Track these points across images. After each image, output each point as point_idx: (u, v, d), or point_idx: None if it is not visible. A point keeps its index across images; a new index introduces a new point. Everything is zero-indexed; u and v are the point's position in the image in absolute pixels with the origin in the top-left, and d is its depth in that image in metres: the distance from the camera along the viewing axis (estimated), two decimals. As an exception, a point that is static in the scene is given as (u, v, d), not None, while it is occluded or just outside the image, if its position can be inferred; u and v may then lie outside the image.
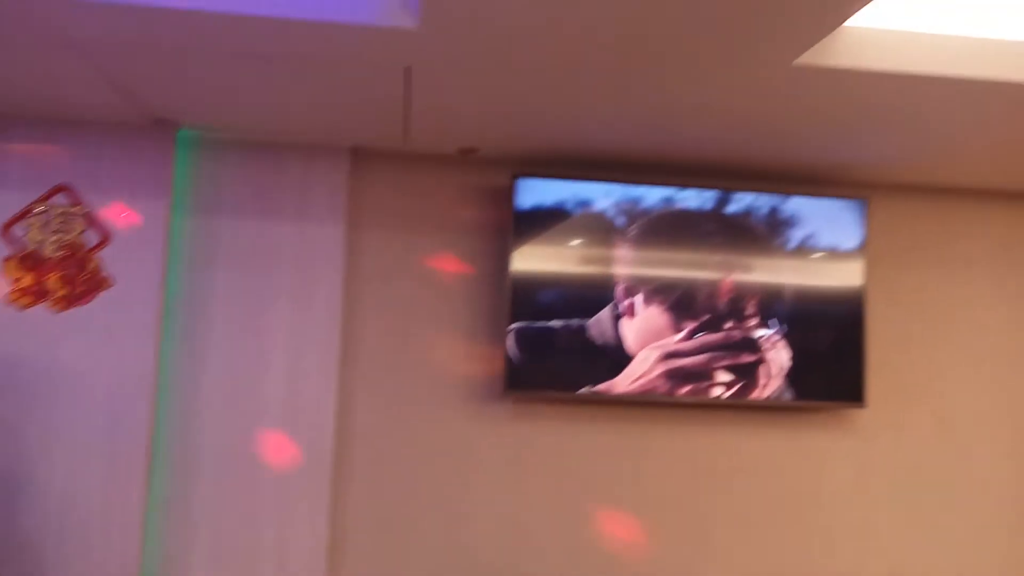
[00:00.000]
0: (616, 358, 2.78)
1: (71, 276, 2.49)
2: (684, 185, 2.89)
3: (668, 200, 2.87)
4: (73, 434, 2.45)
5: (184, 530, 2.58)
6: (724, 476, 2.94)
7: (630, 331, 2.80)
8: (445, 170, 2.92)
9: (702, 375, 2.82)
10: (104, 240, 2.53)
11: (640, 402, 2.88)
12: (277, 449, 2.66)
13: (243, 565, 2.60)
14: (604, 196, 2.83)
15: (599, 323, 2.79)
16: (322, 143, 2.76)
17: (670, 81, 2.15)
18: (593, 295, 2.80)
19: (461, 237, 2.91)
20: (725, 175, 2.98)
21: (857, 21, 1.97)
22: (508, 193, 2.82)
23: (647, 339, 2.81)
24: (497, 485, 2.84)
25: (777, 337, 2.86)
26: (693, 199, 2.88)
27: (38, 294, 2.47)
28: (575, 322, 2.78)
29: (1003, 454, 3.09)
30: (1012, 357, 3.14)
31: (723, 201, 2.90)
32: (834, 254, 2.93)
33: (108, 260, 2.53)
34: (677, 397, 2.82)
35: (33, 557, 2.39)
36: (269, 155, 2.75)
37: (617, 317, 2.79)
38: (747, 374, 2.84)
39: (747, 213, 2.90)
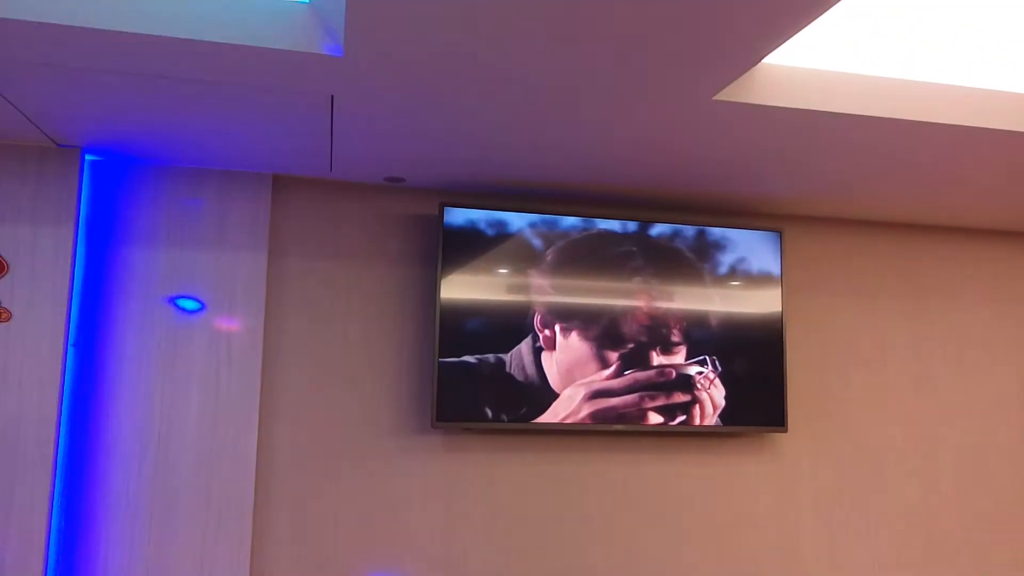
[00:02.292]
0: (541, 394, 2.77)
1: (-38, 309, 2.32)
2: (605, 216, 2.93)
3: (588, 226, 2.90)
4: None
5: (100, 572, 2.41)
6: (655, 502, 2.96)
7: (552, 364, 2.79)
8: (371, 199, 2.87)
9: (632, 416, 2.83)
10: (2, 270, 2.36)
11: (570, 431, 2.87)
12: (194, 490, 2.52)
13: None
14: (528, 224, 2.83)
15: (519, 356, 2.77)
16: (242, 169, 2.67)
17: (589, 115, 2.17)
18: (518, 324, 2.78)
19: (388, 266, 2.86)
20: (646, 206, 3.04)
21: (774, 59, 2.04)
22: (435, 222, 2.79)
23: (571, 372, 2.81)
24: (429, 519, 2.76)
25: (712, 375, 2.91)
26: (614, 225, 2.92)
27: (-76, 329, 2.28)
28: (501, 354, 2.76)
29: (915, 473, 3.22)
30: (919, 380, 3.29)
31: (644, 228, 2.95)
32: (754, 283, 3.02)
33: (5, 291, 2.36)
34: (606, 426, 2.82)
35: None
36: (186, 180, 2.65)
37: (539, 350, 2.79)
38: (681, 412, 2.87)
39: (668, 240, 2.96)
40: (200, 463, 2.53)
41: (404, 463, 2.77)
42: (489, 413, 2.73)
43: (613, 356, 2.84)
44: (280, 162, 2.64)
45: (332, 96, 2.05)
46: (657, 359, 2.88)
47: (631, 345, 2.86)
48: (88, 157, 2.52)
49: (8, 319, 2.35)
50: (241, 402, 2.59)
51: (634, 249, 2.92)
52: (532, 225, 2.84)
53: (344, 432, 2.74)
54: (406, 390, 2.80)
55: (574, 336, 2.82)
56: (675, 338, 2.91)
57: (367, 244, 2.86)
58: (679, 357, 2.90)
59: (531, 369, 2.77)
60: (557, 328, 2.81)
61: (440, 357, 2.70)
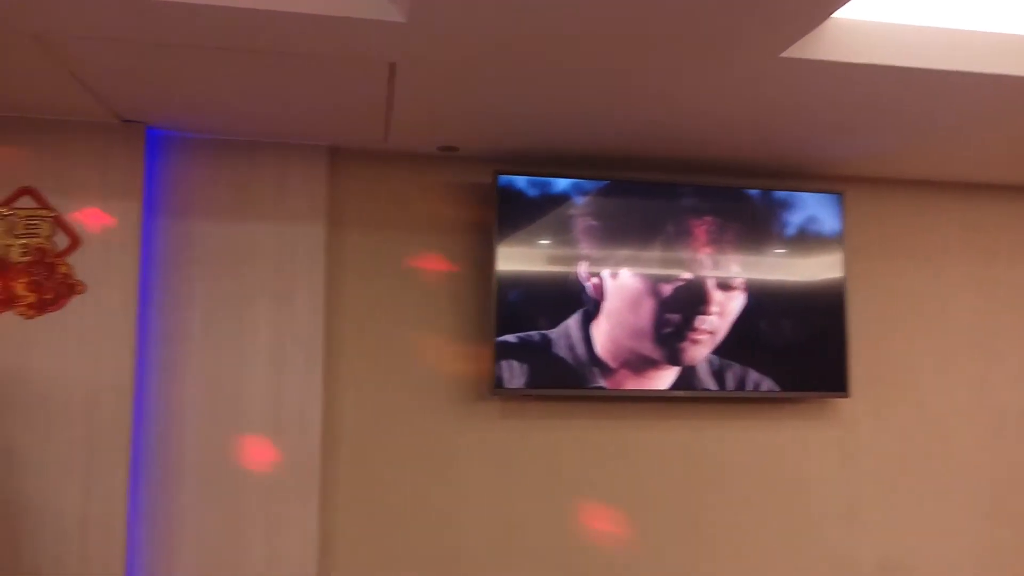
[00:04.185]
0: (592, 358, 2.77)
1: (40, 282, 2.39)
2: (663, 181, 2.89)
3: (645, 191, 2.87)
4: (49, 444, 2.35)
5: (168, 540, 2.50)
6: (713, 469, 2.95)
7: (601, 333, 2.78)
8: (425, 168, 2.88)
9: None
10: (74, 244, 2.43)
11: (626, 397, 2.87)
12: (261, 454, 2.59)
13: (230, 574, 2.53)
14: (584, 190, 2.81)
15: (567, 330, 2.77)
16: (299, 142, 2.70)
17: (651, 74, 2.13)
18: (571, 292, 2.78)
19: (443, 235, 2.87)
20: (704, 169, 2.99)
21: (844, 14, 1.97)
22: (489, 190, 2.79)
23: (621, 336, 2.80)
24: (485, 484, 2.80)
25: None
26: (672, 190, 2.88)
27: (5, 301, 2.37)
28: (557, 319, 2.76)
29: (980, 438, 3.15)
30: (985, 344, 3.20)
31: (703, 191, 2.90)
32: (814, 245, 2.96)
33: (80, 264, 2.43)
34: (664, 392, 2.82)
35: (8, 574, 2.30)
36: (244, 154, 2.68)
37: (593, 315, 2.78)
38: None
39: (728, 203, 2.91)
40: (267, 430, 2.60)
41: (463, 430, 2.80)
42: (549, 377, 2.74)
43: (665, 315, 2.83)
44: (337, 133, 2.66)
45: (393, 64, 2.05)
46: (711, 320, 2.85)
47: (684, 311, 2.84)
48: (152, 132, 2.56)
49: (83, 291, 2.42)
50: (305, 370, 2.64)
51: (694, 213, 2.88)
52: (587, 191, 2.81)
53: (404, 400, 2.78)
54: (464, 358, 2.83)
55: (631, 301, 2.81)
56: (733, 302, 2.87)
57: (422, 213, 2.87)
58: (730, 318, 2.87)
59: (580, 346, 2.76)
60: (618, 293, 2.79)
61: (497, 325, 2.71)
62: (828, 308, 2.95)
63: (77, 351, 2.39)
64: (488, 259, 2.77)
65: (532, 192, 2.78)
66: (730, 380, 2.85)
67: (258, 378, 2.61)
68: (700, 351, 2.84)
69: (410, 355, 2.80)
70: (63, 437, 2.36)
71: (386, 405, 2.77)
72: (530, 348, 2.73)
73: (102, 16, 1.77)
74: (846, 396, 2.95)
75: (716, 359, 2.85)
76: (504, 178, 2.76)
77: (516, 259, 2.74)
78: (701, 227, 2.89)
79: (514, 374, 2.71)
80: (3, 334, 2.36)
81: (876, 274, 3.14)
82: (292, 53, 1.98)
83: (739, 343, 2.86)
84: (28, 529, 2.32)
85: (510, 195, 2.76)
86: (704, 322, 2.84)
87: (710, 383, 2.84)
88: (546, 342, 2.74)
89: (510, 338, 2.72)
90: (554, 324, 2.75)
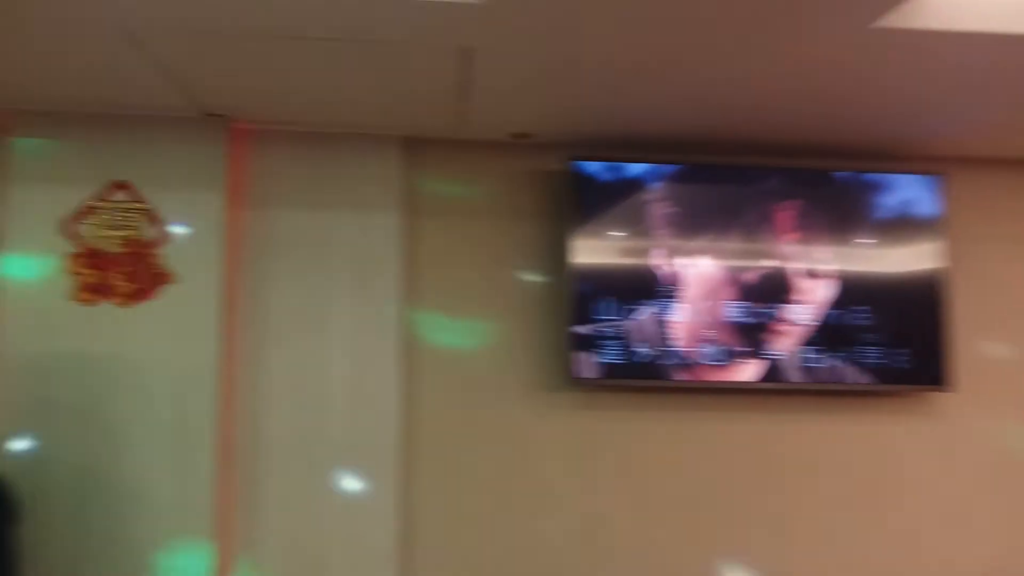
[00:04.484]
0: (670, 349, 2.69)
1: (133, 272, 2.50)
2: (745, 164, 2.78)
3: (727, 176, 2.77)
4: (140, 429, 2.46)
5: (253, 523, 2.57)
6: (800, 466, 2.82)
7: (681, 319, 2.70)
8: (498, 156, 2.86)
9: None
10: (164, 236, 2.53)
11: (707, 389, 2.78)
12: (341, 441, 2.63)
13: (313, 558, 2.58)
14: (662, 175, 2.74)
15: (650, 311, 2.70)
16: (373, 133, 2.73)
17: (733, 51, 2.05)
18: (650, 281, 2.71)
19: (517, 223, 2.85)
20: (790, 151, 2.86)
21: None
22: (563, 177, 2.75)
23: (700, 326, 2.71)
24: (563, 476, 2.77)
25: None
26: (755, 174, 2.77)
27: (102, 290, 2.49)
28: (633, 309, 2.70)
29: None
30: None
31: (794, 180, 2.78)
32: (912, 230, 2.79)
33: (169, 255, 2.53)
34: (751, 383, 2.71)
35: (103, 550, 2.40)
36: (322, 145, 2.73)
37: (671, 304, 2.70)
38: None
39: (817, 187, 2.78)
40: (348, 415, 2.64)
41: (540, 421, 2.77)
42: (621, 372, 2.68)
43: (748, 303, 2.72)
44: (411, 122, 2.67)
45: (468, 49, 2.04)
46: (797, 310, 2.72)
47: (767, 301, 2.73)
48: (234, 126, 2.64)
49: (172, 281, 2.51)
50: (383, 359, 2.67)
51: (777, 198, 2.76)
52: (664, 176, 2.74)
53: (481, 389, 2.77)
54: (542, 346, 2.80)
55: (716, 294, 2.72)
56: (821, 291, 2.74)
57: (495, 201, 2.86)
58: (819, 307, 2.74)
59: (657, 337, 2.69)
60: (684, 263, 2.71)
61: (571, 315, 2.67)
62: (926, 297, 2.77)
63: (167, 339, 2.49)
64: (562, 248, 2.73)
65: (606, 178, 2.73)
66: (819, 372, 2.72)
67: (337, 366, 2.65)
68: (785, 342, 2.72)
69: (486, 345, 2.80)
70: (155, 421, 2.46)
71: (463, 394, 2.77)
72: (605, 338, 2.68)
73: (185, 6, 1.82)
74: (947, 390, 2.77)
75: (803, 350, 2.72)
76: (578, 164, 2.72)
77: (590, 247, 2.70)
78: (785, 212, 2.77)
79: (589, 365, 2.67)
80: (101, 322, 2.48)
81: (980, 261, 2.94)
82: (369, 40, 1.99)
83: (829, 334, 2.73)
84: (124, 506, 2.43)
85: (584, 181, 2.71)
86: (789, 312, 2.72)
87: (797, 375, 2.72)
88: (622, 332, 2.68)
89: (585, 328, 2.67)
90: (630, 314, 2.69)
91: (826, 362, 2.72)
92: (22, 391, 2.44)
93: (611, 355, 2.68)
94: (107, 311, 2.48)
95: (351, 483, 2.62)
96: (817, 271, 2.74)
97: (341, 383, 2.65)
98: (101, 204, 2.52)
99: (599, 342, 2.68)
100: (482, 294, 2.81)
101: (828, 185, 2.79)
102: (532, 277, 2.83)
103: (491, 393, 2.78)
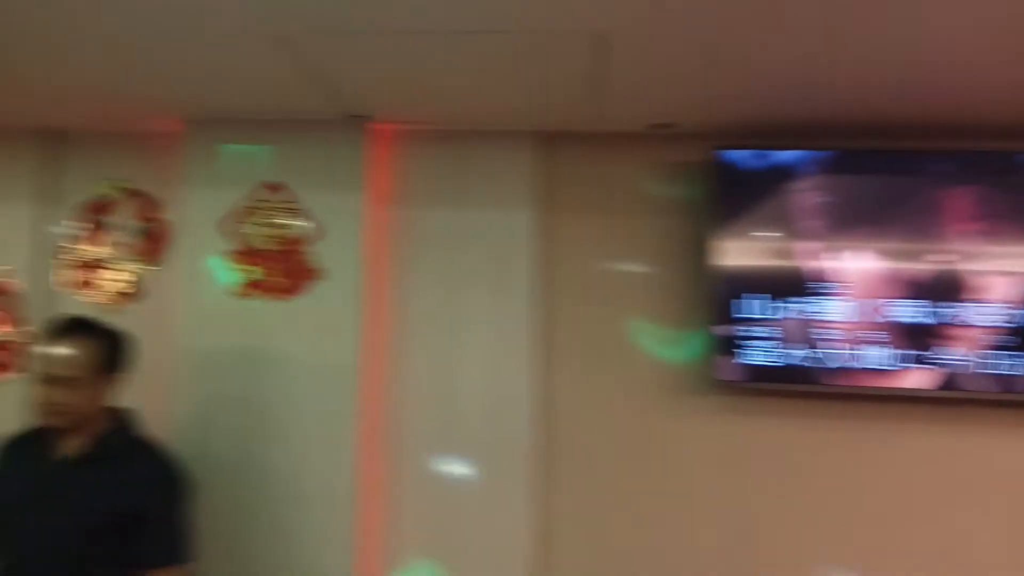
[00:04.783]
0: (824, 352, 2.49)
1: (284, 268, 2.63)
2: (916, 149, 2.53)
3: (898, 166, 2.53)
4: (291, 420, 2.58)
5: (392, 511, 2.64)
6: (977, 483, 2.54)
7: (836, 320, 2.49)
8: (636, 148, 2.77)
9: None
10: (313, 233, 2.65)
11: (867, 396, 2.56)
12: (479, 439, 2.64)
13: (451, 553, 2.61)
14: (814, 165, 2.55)
15: (802, 310, 2.51)
16: (508, 128, 2.72)
17: (896, 22, 1.85)
18: (802, 278, 2.52)
19: (657, 218, 2.75)
20: (957, 135, 2.57)
21: None
22: (706, 168, 2.63)
23: (858, 328, 2.49)
24: (708, 485, 2.65)
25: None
26: (929, 164, 2.52)
27: (257, 286, 2.63)
28: (783, 308, 2.52)
29: None
30: None
31: (969, 164, 2.51)
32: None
33: (317, 252, 2.64)
34: (922, 390, 2.47)
35: (258, 535, 2.54)
36: (458, 142, 2.75)
37: (824, 303, 2.50)
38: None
39: (1000, 177, 2.49)
40: (485, 412, 2.65)
41: (683, 425, 2.67)
42: (769, 375, 2.52)
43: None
44: (545, 117, 2.64)
45: (604, 35, 1.97)
46: (973, 310, 2.45)
47: (936, 300, 2.47)
48: (375, 126, 2.71)
49: (319, 277, 2.63)
50: (518, 357, 2.66)
51: (947, 185, 2.50)
52: (816, 164, 2.55)
53: (621, 391, 2.70)
54: (682, 349, 2.69)
55: (862, 272, 2.50)
56: (1002, 289, 2.45)
57: (634, 196, 2.77)
58: (1001, 308, 2.44)
59: (809, 338, 2.50)
60: (840, 258, 2.50)
61: (716, 315, 2.55)
62: None
63: (314, 333, 2.60)
64: (704, 243, 2.61)
65: (753, 167, 2.57)
66: (1002, 380, 2.43)
67: (475, 362, 2.68)
68: (964, 346, 2.45)
69: (626, 345, 2.72)
70: (303, 412, 2.58)
71: (601, 395, 2.71)
72: (751, 339, 2.53)
73: (327, 5, 1.88)
74: None
75: (981, 355, 2.44)
76: (722, 154, 2.58)
77: (735, 242, 2.56)
78: (957, 201, 2.50)
79: (733, 367, 2.53)
80: (256, 315, 2.63)
81: None
82: (503, 31, 1.97)
83: (1015, 337, 2.43)
84: (277, 494, 2.56)
85: (729, 172, 2.58)
86: (967, 312, 2.46)
87: (978, 383, 2.44)
88: (769, 333, 2.52)
89: (730, 328, 2.54)
90: (779, 313, 2.53)
91: (1009, 368, 2.43)
92: (192, 382, 2.63)
93: (757, 357, 2.53)
94: (262, 305, 2.63)
95: (488, 480, 2.63)
96: (996, 267, 2.45)
97: (478, 380, 2.67)
98: (258, 205, 2.67)
99: (744, 343, 2.53)
100: (621, 292, 2.74)
101: (1010, 169, 2.49)
102: (673, 274, 2.72)
103: (631, 396, 2.70)
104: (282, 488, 2.57)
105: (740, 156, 2.58)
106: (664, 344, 2.70)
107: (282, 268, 2.63)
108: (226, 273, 2.64)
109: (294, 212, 2.66)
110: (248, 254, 2.65)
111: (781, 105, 2.44)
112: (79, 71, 2.31)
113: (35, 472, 2.10)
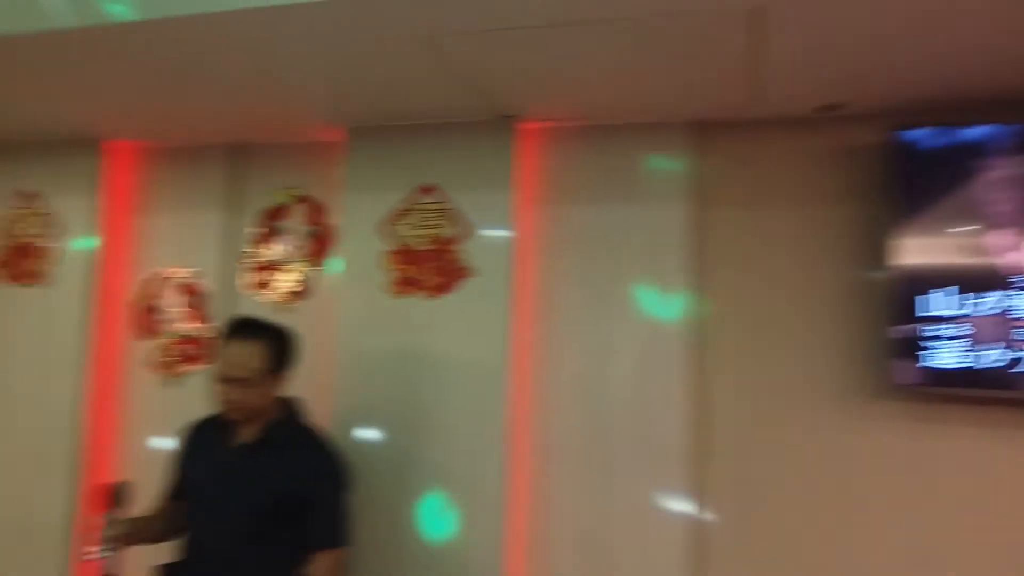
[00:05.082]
0: (1019, 355, 2.18)
1: (437, 267, 2.70)
2: None
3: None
4: (443, 416, 2.64)
5: (545, 512, 2.63)
6: None
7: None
8: (799, 134, 2.58)
9: None
10: (463, 233, 2.70)
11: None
12: (630, 442, 2.57)
13: (601, 553, 2.56)
14: (1007, 143, 2.23)
15: (992, 307, 2.20)
16: (660, 120, 2.63)
17: None
18: (993, 272, 2.22)
19: (823, 209, 2.54)
20: None
21: None
22: (881, 152, 2.39)
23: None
24: (883, 497, 2.40)
25: None
26: None
27: (411, 284, 2.73)
28: (970, 304, 2.23)
29: None
30: None
31: None
32: None
33: (467, 251, 2.69)
34: None
35: (409, 525, 2.62)
36: (607, 138, 2.69)
37: (1020, 299, 2.18)
38: None
39: None
40: (636, 414, 2.57)
41: (853, 432, 2.44)
42: (953, 380, 2.24)
43: None
44: (698, 105, 2.52)
45: (759, 10, 1.85)
46: None
47: None
48: (524, 125, 2.72)
49: (470, 275, 2.67)
50: (671, 356, 2.55)
51: None
52: (1009, 141, 2.23)
53: (783, 394, 2.52)
54: (853, 348, 2.46)
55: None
56: None
57: (797, 186, 2.58)
58: None
59: (1001, 339, 2.19)
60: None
61: (892, 312, 2.30)
62: None
63: (464, 330, 2.65)
64: (879, 234, 2.37)
65: (936, 148, 2.30)
66: None
67: (625, 363, 2.60)
68: None
69: (789, 344, 2.54)
70: (454, 409, 2.63)
71: (762, 399, 2.54)
72: (934, 339, 2.26)
73: (474, 4, 1.90)
74: None
75: None
76: (900, 134, 2.33)
77: (919, 231, 2.30)
78: None
79: (913, 370, 2.28)
80: (411, 313, 2.72)
81: None
82: (653, 14, 1.90)
83: None
84: (429, 489, 2.63)
85: (908, 154, 2.32)
86: None
87: None
88: (956, 333, 2.24)
89: (911, 328, 2.28)
90: (967, 311, 2.24)
91: None
92: (351, 377, 2.77)
93: (943, 359, 2.26)
94: (416, 303, 2.71)
95: (639, 484, 2.55)
96: None
97: (629, 381, 2.59)
98: (413, 207, 2.77)
99: (925, 344, 2.27)
100: (782, 289, 2.56)
101: None
102: (842, 269, 2.50)
103: (792, 399, 2.51)
104: (433, 483, 2.63)
105: (921, 135, 2.32)
106: (832, 344, 2.49)
107: (434, 267, 2.71)
108: (382, 273, 2.76)
109: (446, 213, 2.72)
110: (403, 254, 2.75)
111: (967, 77, 2.17)
112: (255, 91, 2.51)
113: (215, 456, 2.29)
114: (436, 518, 2.62)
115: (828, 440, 2.46)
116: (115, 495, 2.17)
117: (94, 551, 2.11)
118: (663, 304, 2.58)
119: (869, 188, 2.47)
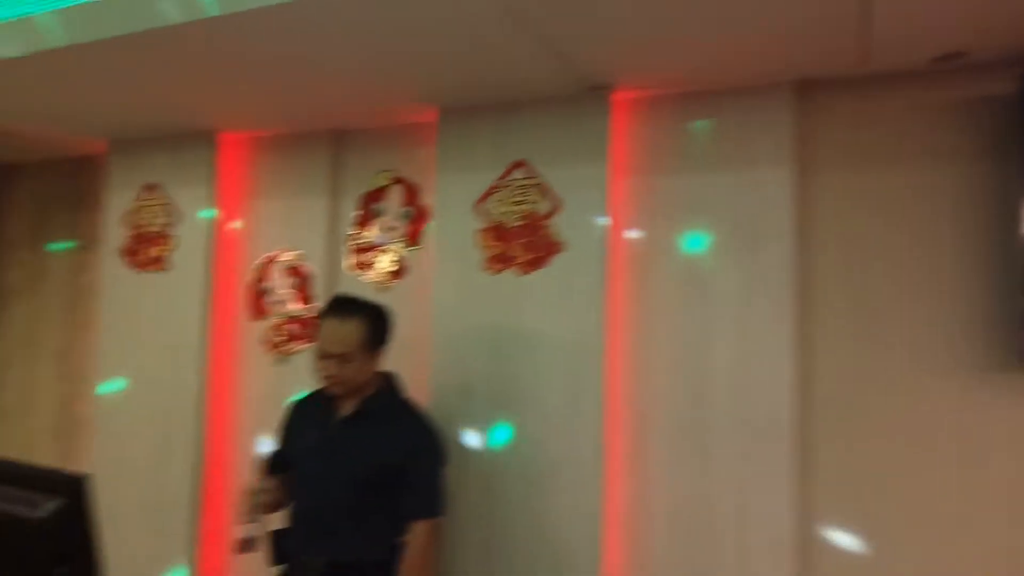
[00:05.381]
0: None
1: (530, 243, 2.69)
2: None
3: None
4: (538, 391, 2.63)
5: (642, 489, 2.57)
6: None
7: None
8: (914, 88, 2.38)
9: None
10: (555, 207, 2.67)
11: None
12: (729, 422, 2.47)
13: (701, 534, 2.48)
14: None
15: None
16: (761, 82, 2.49)
17: None
18: None
19: (942, 168, 2.34)
20: None
21: None
22: (1012, 102, 2.16)
23: None
24: (1013, 478, 2.19)
25: None
26: None
27: (505, 261, 2.72)
28: None
29: None
30: None
31: None
32: None
33: (559, 225, 2.65)
34: None
35: (505, 501, 2.64)
36: (704, 104, 2.58)
37: None
38: None
39: None
40: (734, 394, 2.47)
41: (983, 406, 2.24)
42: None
43: None
44: (803, 63, 2.37)
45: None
46: None
47: None
48: (615, 96, 2.65)
49: (562, 250, 2.64)
50: (773, 331, 2.43)
51: None
52: None
53: (894, 367, 2.35)
54: (974, 320, 2.26)
55: None
56: None
57: (914, 147, 2.38)
58: None
59: None
60: None
61: (1026, 275, 2.09)
62: None
63: (559, 305, 2.62)
64: (1011, 193, 2.15)
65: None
66: None
67: (724, 337, 2.50)
68: None
69: (901, 314, 2.36)
70: (549, 383, 2.61)
71: (870, 371, 2.38)
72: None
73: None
74: None
75: None
76: (1033, 81, 2.11)
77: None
78: None
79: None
80: (504, 289, 2.72)
81: None
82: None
83: None
84: (527, 464, 2.63)
85: (1042, 102, 2.10)
86: None
87: None
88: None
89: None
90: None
91: None
92: (447, 354, 2.80)
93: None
94: (509, 279, 2.71)
95: (739, 462, 2.44)
96: None
97: (729, 355, 2.49)
98: (503, 183, 2.76)
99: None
100: (895, 255, 2.38)
101: None
102: (964, 235, 2.29)
103: (908, 371, 2.33)
104: (530, 459, 2.63)
105: (1058, 82, 2.08)
106: (952, 316, 2.29)
107: (527, 243, 2.69)
108: (476, 251, 2.77)
109: (538, 188, 2.70)
110: (496, 231, 2.75)
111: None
112: (352, 76, 2.57)
113: (317, 430, 2.39)
114: (532, 493, 2.61)
115: (946, 416, 2.27)
116: (269, 465, 2.30)
117: (250, 517, 2.24)
118: (764, 276, 2.46)
119: (996, 146, 2.25)
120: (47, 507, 1.38)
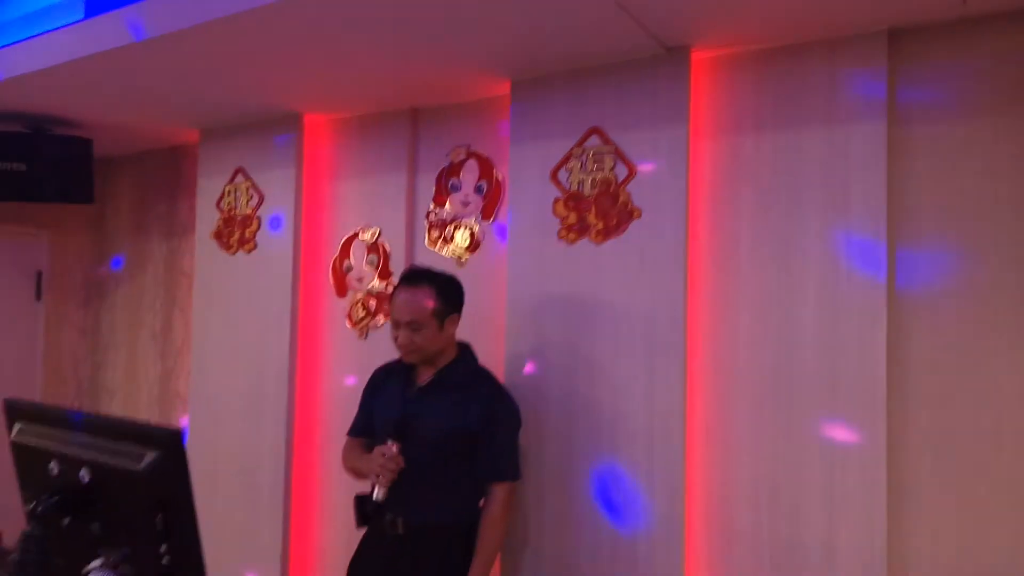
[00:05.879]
0: None
1: (606, 210, 2.65)
2: None
3: None
4: (618, 358, 2.60)
5: (723, 453, 2.51)
6: None
7: None
8: (1019, 31, 2.20)
9: None
10: (631, 173, 2.62)
11: None
12: (816, 386, 2.37)
13: (788, 505, 2.40)
14: None
15: None
16: (851, 32, 2.36)
17: None
18: None
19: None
20: None
21: None
22: None
23: None
24: None
25: None
26: None
27: (581, 229, 2.70)
28: None
29: None
30: None
31: None
32: None
33: (636, 192, 2.61)
34: None
35: (580, 470, 2.62)
36: (789, 58, 2.47)
37: None
38: None
39: None
40: (822, 357, 2.36)
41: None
42: None
43: None
44: (894, 9, 2.24)
45: None
46: None
47: None
48: (694, 54, 2.58)
49: (640, 216, 2.59)
50: (863, 294, 2.31)
51: None
52: None
53: (1003, 336, 2.19)
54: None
55: None
56: None
57: (1014, 95, 2.21)
58: None
59: None
60: None
61: None
62: None
63: (637, 272, 2.58)
64: None
65: None
66: None
67: (809, 302, 2.39)
68: None
69: (995, 282, 2.20)
70: (628, 351, 2.58)
71: (964, 343, 2.23)
72: None
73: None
74: None
75: None
76: None
77: None
78: None
79: None
80: (580, 258, 2.69)
81: None
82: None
83: None
84: (603, 430, 2.60)
85: None
86: None
87: None
88: None
89: None
90: None
91: None
92: (522, 324, 2.80)
93: None
94: (584, 248, 2.68)
95: (824, 432, 2.34)
96: None
97: (814, 321, 2.38)
98: (578, 150, 2.73)
99: None
100: (993, 219, 2.22)
101: None
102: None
103: (1003, 341, 2.18)
104: (608, 430, 2.60)
105: None
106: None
107: (605, 211, 2.65)
108: (551, 220, 2.75)
109: (613, 154, 2.66)
110: (571, 199, 2.73)
111: None
112: (428, 50, 2.60)
113: (399, 397, 2.44)
114: (611, 465, 2.59)
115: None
116: (399, 430, 2.31)
117: (380, 478, 2.26)
118: (851, 239, 2.34)
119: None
120: (147, 459, 1.46)
